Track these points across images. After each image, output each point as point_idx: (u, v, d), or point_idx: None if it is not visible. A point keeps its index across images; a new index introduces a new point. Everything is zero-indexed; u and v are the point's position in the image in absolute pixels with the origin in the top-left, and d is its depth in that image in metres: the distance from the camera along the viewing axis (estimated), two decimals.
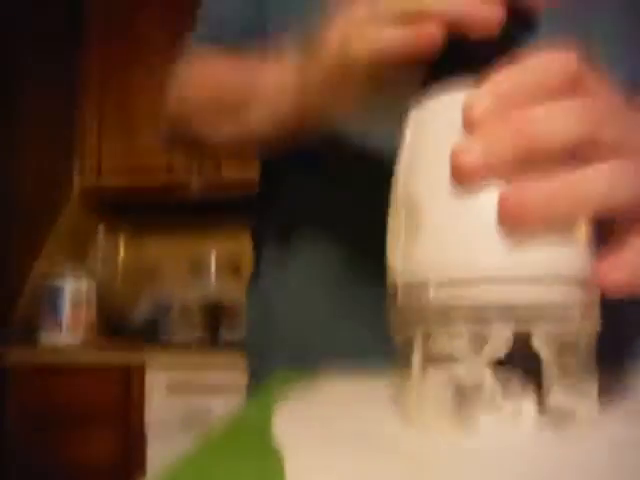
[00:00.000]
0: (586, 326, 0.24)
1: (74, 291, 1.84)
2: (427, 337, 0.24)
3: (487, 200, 0.23)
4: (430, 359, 0.24)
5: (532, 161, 0.22)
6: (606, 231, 0.25)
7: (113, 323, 2.02)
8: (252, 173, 0.63)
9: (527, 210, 0.22)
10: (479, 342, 0.23)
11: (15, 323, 1.84)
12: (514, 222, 0.22)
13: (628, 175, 0.23)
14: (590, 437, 0.22)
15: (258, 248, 0.57)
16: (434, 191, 0.24)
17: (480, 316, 0.23)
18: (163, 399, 1.63)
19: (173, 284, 2.08)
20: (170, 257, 2.17)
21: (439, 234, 0.24)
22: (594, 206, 0.23)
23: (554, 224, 0.22)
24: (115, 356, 1.69)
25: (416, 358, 0.24)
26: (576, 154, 0.23)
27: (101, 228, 2.18)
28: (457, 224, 0.23)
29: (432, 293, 0.24)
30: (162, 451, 1.59)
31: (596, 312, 0.25)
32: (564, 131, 0.22)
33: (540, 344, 0.22)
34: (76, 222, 2.09)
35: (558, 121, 0.22)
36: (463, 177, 0.22)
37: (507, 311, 0.22)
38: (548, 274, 0.23)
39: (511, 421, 0.22)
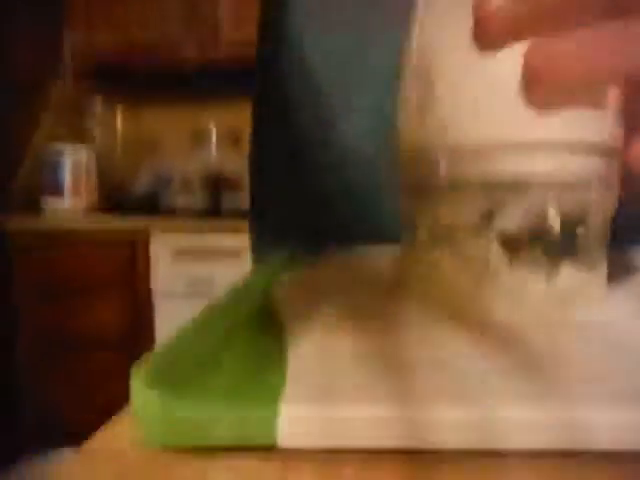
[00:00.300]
0: (604, 199, 0.23)
1: (74, 161, 1.83)
2: (436, 209, 0.23)
3: (507, 59, 0.20)
4: (437, 232, 0.23)
5: (562, 16, 0.20)
6: None
7: (114, 195, 2.02)
8: (250, 37, 0.59)
9: (556, 67, 0.19)
10: (488, 215, 0.22)
11: (16, 192, 1.84)
12: (540, 80, 0.20)
13: None
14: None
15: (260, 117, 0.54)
16: (450, 50, 0.22)
17: (491, 188, 0.22)
18: (168, 266, 1.68)
19: (173, 155, 2.06)
20: (169, 129, 2.12)
21: (453, 97, 0.22)
22: (630, 67, 0.20)
23: (583, 85, 0.20)
24: (118, 223, 1.71)
25: (422, 228, 0.24)
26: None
27: (98, 99, 2.11)
28: (472, 86, 0.21)
29: (443, 163, 0.23)
30: (169, 318, 1.66)
31: (615, 186, 0.24)
32: None
33: (554, 216, 0.22)
34: (72, 92, 2.02)
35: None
36: (488, 35, 0.20)
37: (520, 184, 0.21)
38: (568, 141, 0.21)
39: (517, 295, 0.22)
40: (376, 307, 0.24)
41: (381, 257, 0.33)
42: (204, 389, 0.14)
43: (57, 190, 1.81)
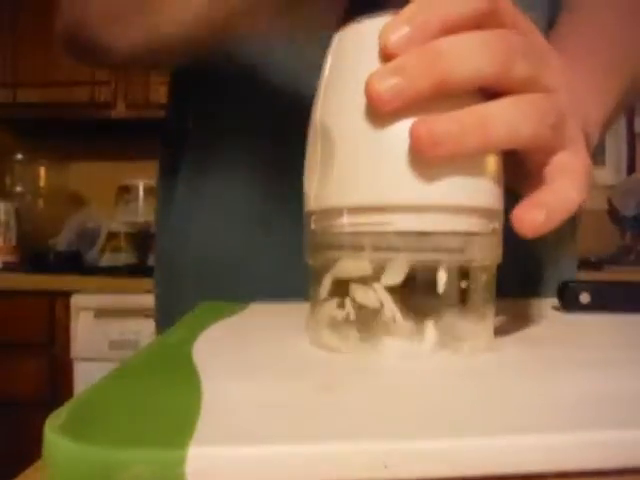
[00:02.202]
0: (487, 257, 0.26)
1: None
2: (335, 262, 0.25)
3: (398, 130, 0.23)
4: (338, 284, 0.25)
5: (445, 93, 0.23)
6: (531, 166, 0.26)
7: (36, 251, 1.95)
8: None
9: (438, 141, 0.22)
10: (379, 269, 0.24)
11: None
12: (425, 152, 0.22)
13: (536, 109, 0.24)
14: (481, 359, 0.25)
15: (170, 174, 0.55)
16: (348, 118, 0.24)
17: (382, 244, 0.24)
18: (90, 327, 1.61)
19: (98, 211, 2.02)
20: (95, 184, 2.09)
21: (350, 162, 0.24)
22: (503, 139, 0.23)
23: (463, 156, 0.23)
24: (39, 281, 1.64)
25: (325, 282, 0.26)
26: (490, 86, 0.24)
27: (20, 153, 2.06)
28: (368, 152, 0.24)
29: (341, 220, 0.25)
30: (90, 382, 1.58)
31: (498, 244, 0.27)
32: (477, 65, 0.23)
33: (441, 272, 0.24)
34: None
35: (472, 54, 0.23)
36: (377, 105, 0.22)
37: (410, 240, 0.24)
38: (453, 204, 0.24)
39: (410, 343, 0.24)
40: (290, 355, 0.25)
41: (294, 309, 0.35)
42: (113, 434, 0.15)
43: None
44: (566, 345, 0.28)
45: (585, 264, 1.74)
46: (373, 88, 0.22)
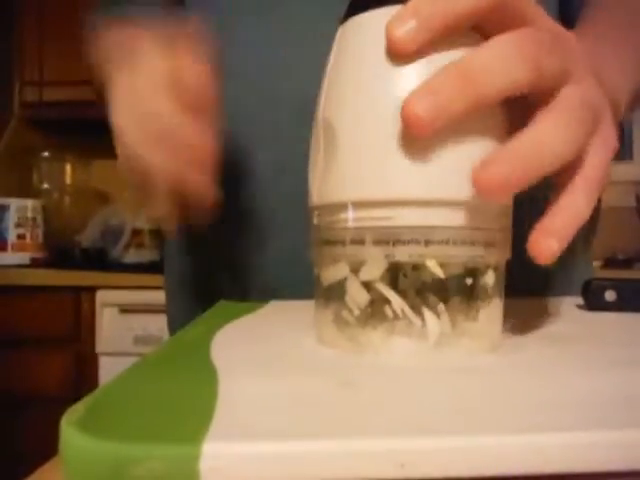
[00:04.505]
0: (495, 253, 0.25)
1: (20, 215, 1.79)
2: (332, 258, 0.25)
3: (396, 125, 0.23)
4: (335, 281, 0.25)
5: (482, 108, 0.23)
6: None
7: (62, 247, 1.98)
8: None
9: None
10: (358, 265, 0.24)
11: None
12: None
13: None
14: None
15: None
16: (350, 112, 0.24)
17: (384, 238, 0.24)
18: (114, 323, 1.64)
19: (123, 208, 2.04)
20: (120, 181, 2.11)
21: (353, 156, 0.24)
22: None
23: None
24: (65, 277, 1.67)
25: (323, 279, 0.26)
26: (524, 91, 0.23)
27: (47, 151, 2.09)
28: (370, 146, 0.23)
29: (344, 215, 0.25)
30: (114, 373, 1.60)
31: (507, 240, 0.26)
32: (511, 78, 0.22)
33: (435, 266, 0.24)
34: (20, 142, 2.00)
35: (505, 66, 0.22)
36: (416, 127, 0.22)
37: (415, 234, 0.23)
38: (459, 199, 0.23)
39: (418, 340, 0.24)
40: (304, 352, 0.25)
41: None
42: (129, 430, 0.15)
43: (1, 245, 1.77)
44: (590, 343, 0.27)
45: (613, 262, 1.71)
46: (412, 111, 0.22)
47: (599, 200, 0.57)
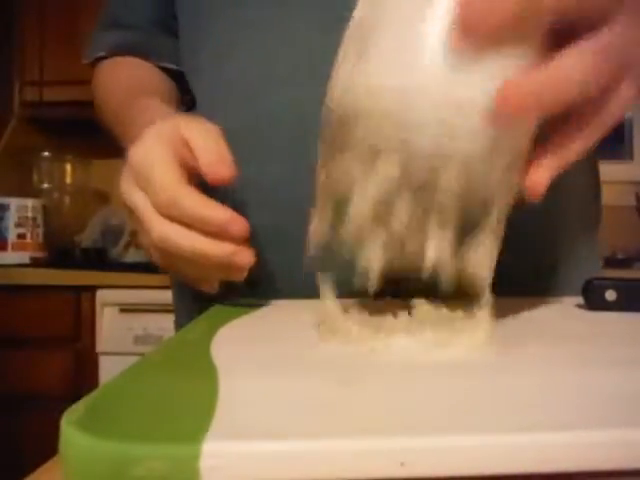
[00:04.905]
0: (506, 180, 0.25)
1: (20, 215, 1.79)
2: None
3: (436, 30, 0.23)
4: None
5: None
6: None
7: (62, 247, 1.98)
8: None
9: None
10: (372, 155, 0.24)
11: None
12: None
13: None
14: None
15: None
16: (389, 14, 0.24)
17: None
18: (115, 323, 1.63)
19: (123, 207, 2.04)
20: (120, 180, 2.11)
21: (385, 60, 0.24)
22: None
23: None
24: (65, 276, 1.67)
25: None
26: None
27: (46, 151, 2.09)
28: (398, 50, 0.23)
29: (361, 122, 0.24)
30: (115, 373, 1.60)
31: (510, 185, 0.26)
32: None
33: (450, 182, 0.24)
34: (20, 142, 2.00)
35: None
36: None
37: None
38: (483, 109, 0.23)
39: (414, 339, 0.24)
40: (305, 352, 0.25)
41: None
42: (129, 429, 0.15)
43: (1, 245, 1.77)
44: (590, 343, 0.27)
45: (613, 262, 1.71)
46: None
47: (600, 200, 0.57)
